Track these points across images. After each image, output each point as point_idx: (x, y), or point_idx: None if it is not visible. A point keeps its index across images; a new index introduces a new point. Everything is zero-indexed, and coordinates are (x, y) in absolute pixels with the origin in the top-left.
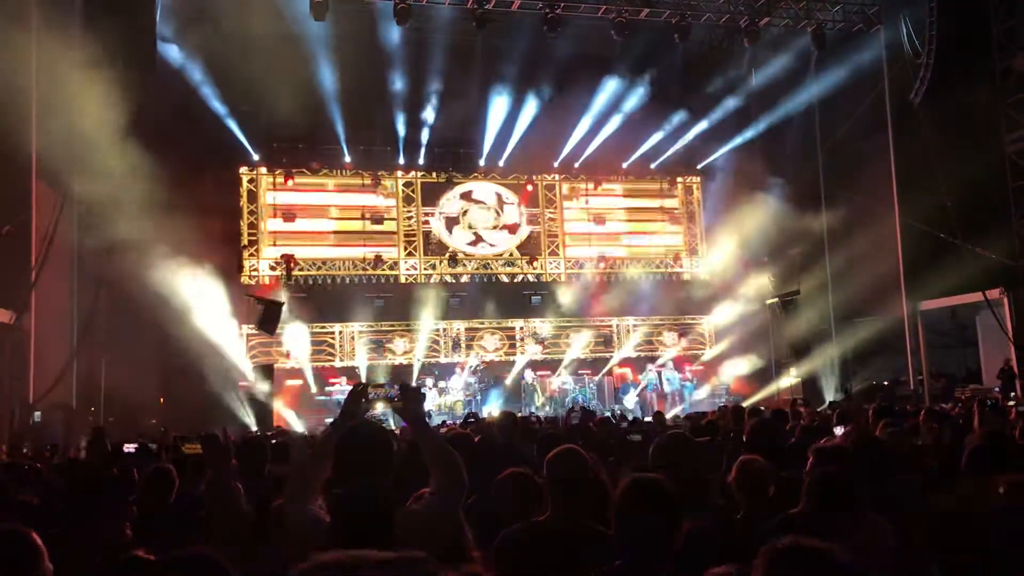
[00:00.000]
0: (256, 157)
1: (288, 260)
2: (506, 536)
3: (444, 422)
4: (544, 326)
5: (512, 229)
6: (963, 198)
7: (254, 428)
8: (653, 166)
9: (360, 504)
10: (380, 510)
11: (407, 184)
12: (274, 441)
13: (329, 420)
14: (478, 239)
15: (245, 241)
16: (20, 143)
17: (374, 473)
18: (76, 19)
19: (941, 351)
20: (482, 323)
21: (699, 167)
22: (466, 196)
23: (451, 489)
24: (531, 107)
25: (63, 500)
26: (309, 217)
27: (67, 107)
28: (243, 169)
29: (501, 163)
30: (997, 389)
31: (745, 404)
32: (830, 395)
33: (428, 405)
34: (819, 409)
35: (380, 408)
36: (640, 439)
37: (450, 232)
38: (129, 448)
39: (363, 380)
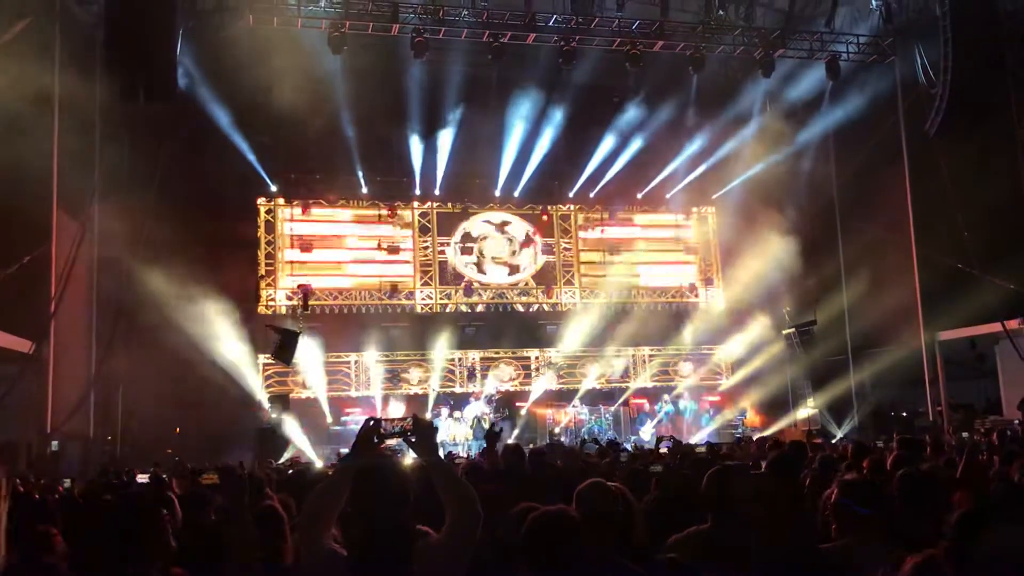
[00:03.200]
0: (274, 188)
1: (305, 290)
2: None
3: (450, 453)
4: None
5: (515, 270)
6: (980, 228)
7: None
8: (668, 196)
9: (378, 538)
10: (398, 544)
11: (423, 214)
12: (290, 472)
13: (344, 451)
14: (480, 266)
15: (262, 271)
16: (41, 173)
17: (391, 507)
18: (97, 52)
19: (960, 381)
20: (497, 353)
21: (714, 197)
22: (496, 224)
23: (466, 521)
24: (546, 137)
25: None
26: (326, 248)
27: (87, 138)
28: (261, 200)
29: (516, 193)
30: (1018, 421)
31: (761, 435)
32: (845, 428)
33: (442, 436)
34: (833, 442)
35: (394, 440)
36: (660, 470)
37: (460, 254)
38: (142, 479)
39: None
